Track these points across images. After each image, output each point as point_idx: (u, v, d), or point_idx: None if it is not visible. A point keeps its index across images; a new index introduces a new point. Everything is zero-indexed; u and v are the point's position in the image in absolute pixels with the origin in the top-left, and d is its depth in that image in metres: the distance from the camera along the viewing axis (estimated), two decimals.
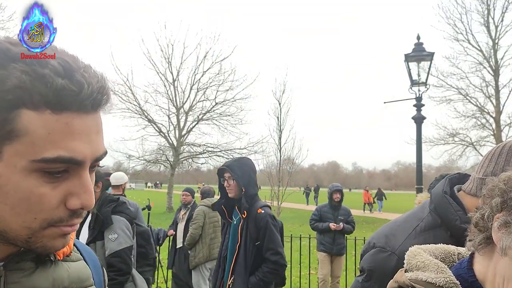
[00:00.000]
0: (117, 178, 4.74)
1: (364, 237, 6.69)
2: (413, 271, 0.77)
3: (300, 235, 7.12)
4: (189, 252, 5.23)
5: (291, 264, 6.24)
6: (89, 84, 0.53)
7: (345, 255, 6.12)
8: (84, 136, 0.54)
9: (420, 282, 0.73)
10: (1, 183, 0.51)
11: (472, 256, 0.76)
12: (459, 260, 0.80)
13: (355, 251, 6.71)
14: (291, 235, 6.62)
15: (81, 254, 0.73)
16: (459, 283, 0.72)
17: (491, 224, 0.69)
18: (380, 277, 1.12)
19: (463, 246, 0.83)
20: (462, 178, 1.21)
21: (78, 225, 0.59)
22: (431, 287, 0.71)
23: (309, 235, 6.60)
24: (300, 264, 6.75)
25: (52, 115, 0.51)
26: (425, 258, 0.77)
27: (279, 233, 2.86)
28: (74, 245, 0.72)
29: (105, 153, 0.59)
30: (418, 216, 1.20)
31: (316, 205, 26.15)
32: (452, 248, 0.83)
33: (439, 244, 0.84)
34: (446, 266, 0.76)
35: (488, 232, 0.70)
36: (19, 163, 0.51)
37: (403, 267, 0.81)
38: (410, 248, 0.83)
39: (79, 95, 0.52)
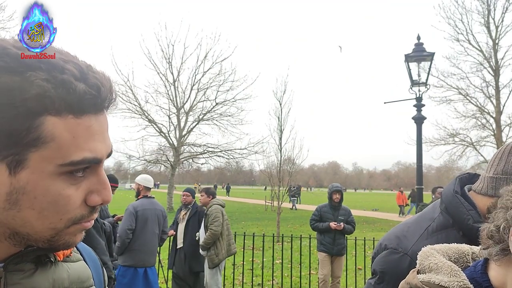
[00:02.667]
0: (149, 180, 4.97)
1: (365, 237, 6.69)
2: (425, 273, 0.76)
3: (300, 235, 7.12)
4: (200, 252, 5.24)
5: (291, 264, 6.25)
6: (103, 86, 0.54)
7: (345, 255, 6.12)
8: (100, 135, 0.56)
9: (432, 285, 0.72)
10: (29, 189, 0.52)
11: (486, 260, 0.75)
12: (473, 263, 0.78)
13: (356, 251, 6.71)
14: (291, 235, 6.62)
15: (81, 254, 0.72)
16: (473, 287, 0.71)
17: (508, 236, 0.68)
18: (392, 279, 1.11)
19: (476, 245, 0.82)
20: (472, 178, 1.21)
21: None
22: None
23: (309, 235, 6.60)
24: (300, 264, 6.75)
25: (74, 119, 0.52)
26: (438, 260, 0.75)
27: (105, 236, 2.19)
28: None
29: (112, 148, 0.61)
30: (429, 217, 1.19)
31: (290, 203, 26.03)
32: (466, 247, 0.81)
33: (453, 243, 0.83)
34: (459, 269, 0.74)
35: (505, 243, 0.69)
36: (46, 168, 0.52)
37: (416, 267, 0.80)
38: (422, 248, 0.81)
39: (98, 98, 0.54)
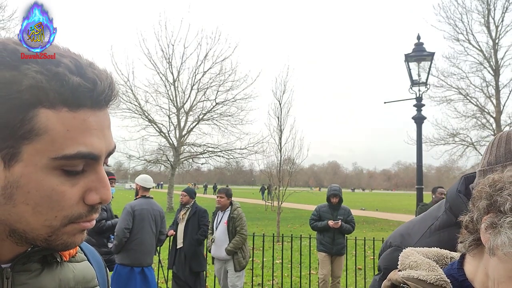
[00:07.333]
0: (147, 180, 4.97)
1: (365, 237, 6.69)
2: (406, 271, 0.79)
3: (300, 235, 7.12)
4: (226, 256, 5.26)
5: (291, 264, 6.25)
6: (101, 81, 0.54)
7: (345, 255, 6.12)
8: (99, 131, 0.55)
9: (412, 279, 0.75)
10: (23, 183, 0.51)
11: (463, 257, 0.79)
12: (451, 262, 0.82)
13: (356, 251, 6.71)
14: (291, 235, 6.62)
15: (85, 254, 0.73)
16: (449, 281, 0.74)
17: (480, 226, 0.71)
18: None
19: None
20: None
21: (95, 221, 0.59)
22: (422, 284, 0.73)
23: (309, 235, 6.60)
24: (300, 264, 6.75)
25: (69, 112, 0.52)
26: (417, 258, 0.80)
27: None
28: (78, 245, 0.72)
29: (115, 147, 0.60)
30: (434, 215, 1.22)
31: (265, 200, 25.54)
32: (445, 251, 0.85)
33: (433, 248, 0.86)
34: (437, 265, 0.78)
35: (477, 234, 0.72)
36: (40, 161, 0.51)
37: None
38: (403, 250, 0.85)
39: (93, 92, 0.53)
